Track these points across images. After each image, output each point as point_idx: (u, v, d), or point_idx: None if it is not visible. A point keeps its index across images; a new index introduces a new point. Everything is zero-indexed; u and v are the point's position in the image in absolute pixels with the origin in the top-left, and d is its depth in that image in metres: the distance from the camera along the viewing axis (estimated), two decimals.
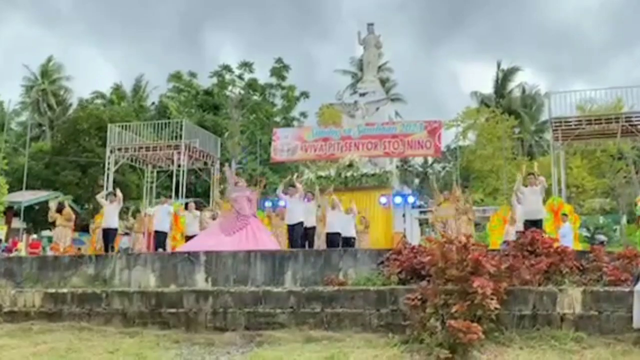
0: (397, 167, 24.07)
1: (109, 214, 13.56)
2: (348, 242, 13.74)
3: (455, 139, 40.72)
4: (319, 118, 38.96)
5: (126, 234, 17.42)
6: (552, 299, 6.85)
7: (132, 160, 22.79)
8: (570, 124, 18.78)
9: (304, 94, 41.26)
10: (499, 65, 43.31)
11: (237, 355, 7.05)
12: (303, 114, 41.99)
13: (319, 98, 55.89)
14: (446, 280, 6.87)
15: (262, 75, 40.98)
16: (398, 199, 19.04)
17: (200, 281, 8.81)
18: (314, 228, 13.44)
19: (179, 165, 20.97)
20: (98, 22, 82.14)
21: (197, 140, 22.12)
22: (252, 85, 40.51)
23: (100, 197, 14.26)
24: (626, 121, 18.24)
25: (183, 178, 20.98)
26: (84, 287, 8.94)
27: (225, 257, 8.95)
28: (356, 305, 7.42)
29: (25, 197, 26.36)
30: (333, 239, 13.24)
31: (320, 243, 13.88)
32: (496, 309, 6.53)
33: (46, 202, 26.53)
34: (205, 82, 40.97)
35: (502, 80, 42.98)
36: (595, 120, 18.79)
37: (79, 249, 19.32)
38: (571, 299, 6.80)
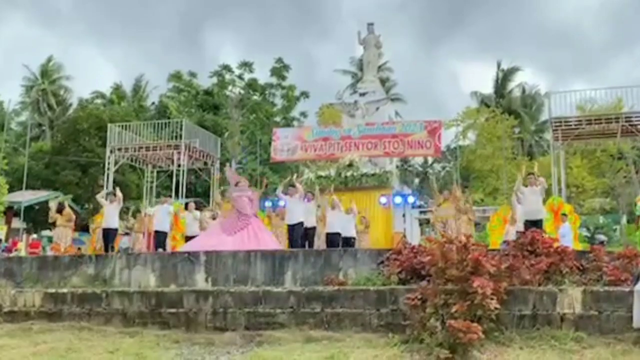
0: (397, 167, 24.08)
1: (109, 214, 13.55)
2: (348, 242, 13.73)
3: (455, 139, 40.76)
4: (319, 118, 38.96)
5: (126, 233, 17.42)
6: (552, 299, 6.85)
7: (132, 160, 22.79)
8: (570, 124, 18.79)
9: (304, 94, 41.27)
10: (499, 65, 43.35)
11: (237, 355, 7.05)
12: (303, 114, 42.03)
13: (319, 98, 55.99)
14: (446, 280, 6.87)
15: (262, 75, 41.02)
16: (398, 199, 19.04)
17: (200, 281, 8.81)
18: (314, 228, 13.44)
19: (179, 165, 20.97)
20: (98, 22, 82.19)
21: (197, 140, 22.12)
22: (252, 85, 40.52)
23: (100, 197, 14.26)
24: (626, 121, 18.24)
25: (183, 178, 20.97)
26: (84, 287, 8.94)
27: (225, 257, 8.95)
28: (356, 305, 7.42)
29: (25, 197, 26.36)
30: (333, 239, 13.23)
31: (320, 243, 13.88)
32: (496, 308, 6.53)
33: (46, 202, 26.54)
34: (205, 82, 41.01)
35: (502, 80, 42.98)
36: (595, 120, 18.79)
37: (79, 248, 19.33)
38: (571, 298, 6.80)
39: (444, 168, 44.50)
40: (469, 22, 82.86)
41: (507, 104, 40.68)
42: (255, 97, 40.52)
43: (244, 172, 29.72)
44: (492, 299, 6.50)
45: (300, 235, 12.46)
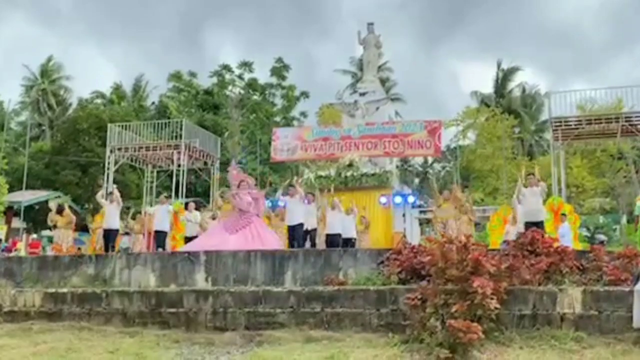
0: (397, 167, 24.08)
1: (110, 215, 13.54)
2: (348, 243, 13.74)
3: (455, 139, 40.76)
4: (319, 118, 38.97)
5: (126, 233, 17.42)
6: (552, 298, 6.85)
7: (132, 160, 22.79)
8: (570, 123, 18.79)
9: (304, 94, 41.28)
10: (499, 65, 43.35)
11: (237, 355, 7.04)
12: (303, 114, 42.05)
13: (319, 98, 56.05)
14: (446, 280, 6.87)
15: (262, 75, 41.04)
16: (398, 199, 19.05)
17: (200, 281, 8.81)
18: (315, 230, 13.41)
19: (179, 165, 20.97)
20: (98, 22, 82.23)
21: (197, 140, 22.12)
22: (252, 85, 40.53)
23: (100, 197, 14.26)
24: (626, 121, 18.24)
25: (183, 178, 20.98)
26: (84, 287, 8.93)
27: (225, 257, 8.95)
28: (356, 305, 7.42)
29: (25, 197, 26.36)
30: (333, 240, 13.23)
31: (320, 243, 13.87)
32: (496, 308, 6.52)
33: (46, 201, 26.55)
34: (205, 81, 41.03)
35: (502, 79, 42.98)
36: (595, 120, 18.79)
37: (79, 248, 19.33)
38: (571, 298, 6.80)
39: (444, 168, 44.51)
40: (469, 21, 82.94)
41: (507, 104, 40.68)
42: (255, 97, 40.53)
43: (244, 172, 29.70)
44: (492, 298, 6.49)
45: (300, 237, 12.44)
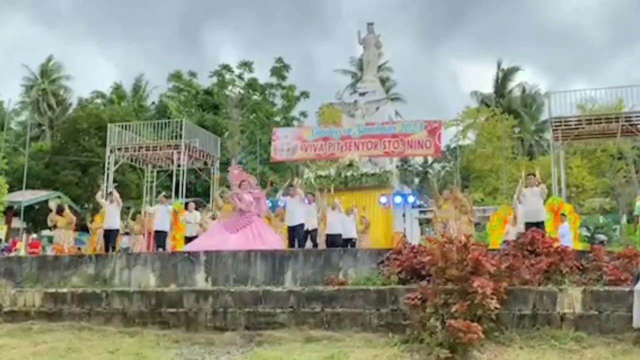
0: (397, 166, 24.08)
1: (110, 215, 13.53)
2: (349, 243, 13.73)
3: (455, 139, 40.77)
4: (319, 118, 38.98)
5: (126, 233, 17.42)
6: (552, 298, 6.85)
7: (132, 160, 22.79)
8: (570, 123, 18.79)
9: (304, 94, 41.28)
10: (499, 65, 43.35)
11: (237, 355, 7.04)
12: (303, 114, 42.06)
13: (319, 98, 56.03)
14: (446, 280, 6.87)
15: (262, 75, 41.05)
16: (398, 199, 19.05)
17: (200, 281, 8.81)
18: (316, 230, 13.38)
19: (179, 165, 20.97)
20: (98, 22, 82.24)
21: (197, 140, 22.12)
22: (252, 84, 40.54)
23: (99, 198, 14.25)
24: (626, 121, 18.24)
25: (183, 178, 20.98)
26: (84, 286, 8.93)
27: (225, 257, 8.95)
28: (356, 305, 7.41)
29: (25, 197, 26.36)
30: (334, 240, 13.22)
31: (320, 243, 13.86)
32: (496, 308, 6.52)
33: (46, 201, 26.55)
34: (205, 81, 41.04)
35: (502, 79, 42.98)
36: (595, 120, 18.79)
37: (79, 248, 19.34)
38: (571, 298, 6.80)
39: (444, 168, 44.52)
40: (469, 21, 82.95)
41: (507, 104, 40.68)
42: (255, 97, 40.54)
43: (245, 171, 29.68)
44: (492, 298, 6.49)
45: (302, 237, 12.42)
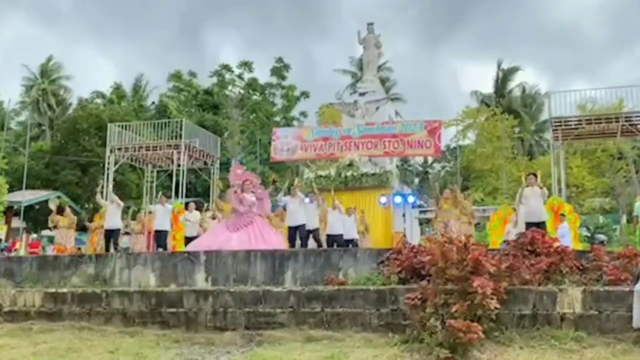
0: (397, 166, 24.09)
1: (111, 215, 13.54)
2: (350, 244, 13.73)
3: (455, 139, 40.79)
4: (319, 117, 39.02)
5: (126, 233, 17.44)
6: (552, 298, 6.85)
7: (132, 160, 22.79)
8: (570, 123, 18.79)
9: (304, 94, 41.32)
10: (499, 65, 43.38)
11: (237, 354, 7.04)
12: (303, 114, 42.10)
13: (319, 97, 56.04)
14: (446, 280, 6.86)
15: (263, 75, 41.08)
16: (398, 199, 19.06)
17: (200, 281, 8.81)
18: (317, 230, 13.38)
19: (179, 165, 20.98)
20: (98, 22, 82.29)
21: (197, 140, 22.13)
22: (252, 84, 40.57)
23: (99, 199, 14.26)
24: (626, 121, 18.24)
25: (183, 178, 20.99)
26: (84, 286, 8.93)
27: (225, 257, 8.95)
28: (356, 304, 7.41)
29: (25, 197, 26.38)
30: (336, 240, 13.21)
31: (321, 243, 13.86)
32: (496, 308, 6.52)
33: (46, 201, 26.56)
34: (205, 81, 41.07)
35: (502, 79, 43.02)
36: (595, 119, 18.79)
37: (79, 248, 19.36)
38: (571, 298, 6.80)
39: (443, 168, 44.54)
40: (469, 21, 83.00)
41: (507, 104, 40.71)
42: (255, 97, 40.56)
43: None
44: (492, 298, 6.49)
45: (305, 237, 12.39)
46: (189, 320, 7.90)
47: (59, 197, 26.64)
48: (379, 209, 18.38)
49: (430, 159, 43.71)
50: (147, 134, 23.08)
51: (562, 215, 15.13)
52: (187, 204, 16.68)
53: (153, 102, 41.75)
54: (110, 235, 13.50)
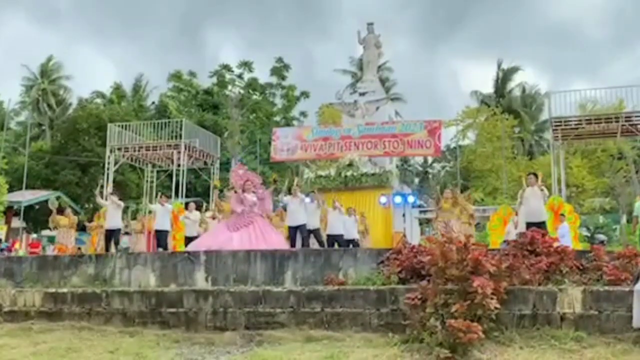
0: (397, 166, 24.09)
1: (112, 215, 13.54)
2: (351, 244, 13.73)
3: (455, 139, 40.78)
4: (319, 117, 39.01)
5: (126, 233, 17.45)
6: (552, 298, 6.85)
7: (132, 160, 22.80)
8: (570, 123, 18.80)
9: (304, 94, 41.30)
10: (499, 65, 43.38)
11: (237, 354, 7.04)
12: (303, 114, 42.07)
13: (318, 97, 56.03)
14: (446, 280, 6.86)
15: (262, 75, 41.07)
16: (398, 199, 19.06)
17: (200, 280, 8.81)
18: (318, 229, 13.36)
19: (179, 165, 20.99)
20: (98, 21, 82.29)
21: (197, 140, 22.15)
22: (252, 84, 40.55)
23: (100, 200, 14.26)
24: (626, 121, 18.25)
25: (183, 178, 20.99)
26: (84, 286, 8.93)
27: (225, 257, 8.95)
28: (356, 304, 7.41)
29: (25, 197, 26.39)
30: (337, 241, 13.20)
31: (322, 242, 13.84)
32: (496, 308, 6.52)
33: (46, 201, 26.56)
34: (205, 81, 41.07)
35: (502, 79, 43.02)
36: (595, 119, 18.80)
37: (79, 248, 19.37)
38: (571, 298, 6.80)
39: (443, 168, 44.53)
40: (469, 21, 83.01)
41: (507, 104, 40.72)
42: (255, 97, 40.55)
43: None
44: (492, 298, 6.49)
45: (307, 236, 12.37)
46: (189, 320, 7.90)
47: (58, 197, 26.63)
48: (379, 209, 18.38)
49: (430, 159, 43.70)
50: (147, 134, 23.09)
51: (562, 215, 15.12)
52: (187, 204, 16.68)
53: (153, 102, 41.75)
54: (111, 236, 13.49)
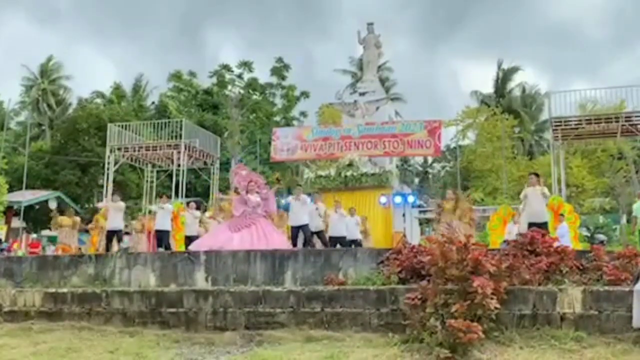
0: (397, 166, 24.09)
1: (113, 216, 13.56)
2: (354, 244, 13.71)
3: (455, 138, 40.78)
4: (319, 117, 39.00)
5: (127, 233, 17.45)
6: (552, 298, 6.85)
7: (131, 160, 22.79)
8: (570, 123, 18.79)
9: (304, 94, 41.28)
10: (499, 65, 43.37)
11: (237, 354, 7.04)
12: (303, 114, 42.06)
13: (318, 97, 56.04)
14: (446, 280, 6.86)
15: (262, 75, 41.06)
16: (398, 199, 19.03)
17: (200, 280, 8.81)
18: (321, 231, 13.34)
19: (179, 165, 20.98)
20: (98, 21, 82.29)
21: (197, 140, 22.14)
22: (252, 84, 40.54)
23: (101, 204, 14.30)
24: (626, 121, 18.24)
25: (183, 178, 20.98)
26: (84, 286, 8.93)
27: (225, 257, 8.95)
28: (356, 304, 7.41)
29: (25, 197, 26.37)
30: (339, 242, 13.17)
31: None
32: (496, 308, 6.52)
33: (46, 201, 26.59)
34: (205, 81, 41.07)
35: (503, 79, 43.01)
36: (595, 119, 18.79)
37: (80, 248, 19.37)
38: (571, 298, 6.80)
39: (443, 168, 44.53)
40: (469, 21, 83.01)
41: (507, 104, 40.71)
42: (255, 97, 40.54)
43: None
44: (492, 298, 6.49)
45: (309, 236, 12.36)
46: (189, 320, 7.90)
47: (58, 197, 26.66)
48: (379, 209, 18.37)
49: (430, 159, 43.70)
50: (147, 134, 23.09)
51: (562, 215, 15.11)
52: (187, 204, 16.68)
53: (153, 102, 41.75)
54: (112, 236, 13.54)
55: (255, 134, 36.91)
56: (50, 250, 20.98)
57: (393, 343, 6.81)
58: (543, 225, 10.05)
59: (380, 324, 7.22)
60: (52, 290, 8.81)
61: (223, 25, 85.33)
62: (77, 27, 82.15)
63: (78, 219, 16.29)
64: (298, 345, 7.04)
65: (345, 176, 18.81)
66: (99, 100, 40.66)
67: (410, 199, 19.57)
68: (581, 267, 7.43)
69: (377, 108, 21.00)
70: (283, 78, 40.59)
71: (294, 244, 12.16)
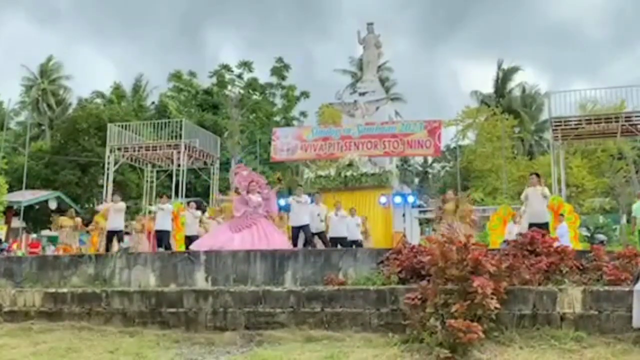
0: (397, 166, 24.09)
1: (114, 217, 13.57)
2: (354, 245, 13.70)
3: (455, 138, 40.77)
4: (319, 117, 38.99)
5: (127, 233, 17.44)
6: (552, 298, 6.85)
7: (131, 160, 22.79)
8: (570, 123, 18.79)
9: (304, 94, 41.27)
10: (499, 65, 43.36)
11: (237, 354, 7.04)
12: (303, 114, 42.05)
13: (318, 97, 56.02)
14: (446, 280, 6.86)
15: (262, 75, 41.05)
16: (398, 199, 19.03)
17: (200, 280, 8.81)
18: (323, 232, 13.32)
19: (179, 165, 20.98)
20: (98, 21, 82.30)
21: (197, 140, 22.14)
22: (252, 84, 40.52)
23: (101, 207, 14.31)
24: (626, 121, 18.24)
25: (183, 178, 20.98)
26: (84, 286, 8.93)
27: (225, 257, 8.95)
28: (356, 304, 7.41)
29: (25, 197, 26.37)
30: (340, 243, 13.16)
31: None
32: (496, 308, 6.52)
33: (46, 201, 26.59)
34: (205, 81, 41.06)
35: (503, 79, 43.00)
36: (595, 119, 18.79)
37: (80, 248, 19.36)
38: (571, 298, 6.80)
39: (443, 168, 44.54)
40: (469, 21, 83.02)
41: (507, 104, 40.70)
42: (255, 97, 40.53)
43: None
44: (492, 298, 6.49)
45: (310, 236, 12.37)
46: (189, 320, 7.90)
47: (58, 197, 26.66)
48: (379, 209, 18.37)
49: (430, 159, 43.70)
50: (147, 134, 23.09)
51: (561, 215, 15.11)
52: (187, 204, 16.69)
53: (153, 102, 41.74)
54: (112, 236, 13.55)
55: (255, 134, 36.90)
56: (50, 250, 20.97)
57: (393, 343, 6.81)
58: (544, 226, 10.03)
59: (380, 324, 7.22)
60: (52, 290, 8.81)
61: (223, 25, 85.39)
62: (77, 27, 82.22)
63: (79, 220, 16.31)
64: (298, 345, 7.04)
65: (345, 176, 18.81)
66: (99, 100, 40.65)
67: (410, 199, 19.57)
68: (581, 267, 7.43)
69: (377, 108, 21.00)
70: (283, 78, 40.58)
71: (295, 245, 12.15)
